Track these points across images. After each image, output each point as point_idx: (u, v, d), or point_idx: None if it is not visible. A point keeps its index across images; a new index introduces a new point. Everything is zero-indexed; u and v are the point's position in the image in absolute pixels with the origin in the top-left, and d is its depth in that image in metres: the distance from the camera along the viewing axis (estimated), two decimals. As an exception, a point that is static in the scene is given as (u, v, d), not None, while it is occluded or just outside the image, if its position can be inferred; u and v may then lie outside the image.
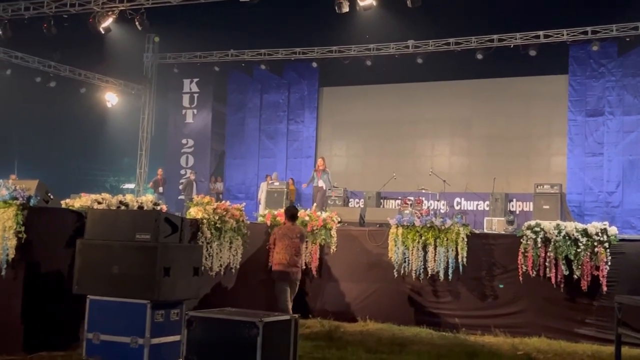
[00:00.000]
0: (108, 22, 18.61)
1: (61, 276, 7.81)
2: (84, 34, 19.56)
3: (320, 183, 18.45)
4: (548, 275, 9.91)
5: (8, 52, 21.63)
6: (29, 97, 22.97)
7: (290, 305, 9.74)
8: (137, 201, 9.48)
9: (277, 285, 9.77)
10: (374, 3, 16.60)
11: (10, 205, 7.58)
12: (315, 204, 15.18)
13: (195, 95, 24.78)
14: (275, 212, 11.60)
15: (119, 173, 28.65)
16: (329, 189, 18.59)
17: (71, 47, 21.73)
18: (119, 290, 6.88)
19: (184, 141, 24.70)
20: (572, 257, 9.81)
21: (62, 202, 9.44)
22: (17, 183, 8.05)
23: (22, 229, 7.53)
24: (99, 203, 8.98)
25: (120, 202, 9.18)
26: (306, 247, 11.29)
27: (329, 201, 19.41)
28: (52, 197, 8.63)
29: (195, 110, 24.79)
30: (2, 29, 19.16)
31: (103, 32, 18.91)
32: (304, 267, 11.22)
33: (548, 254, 9.96)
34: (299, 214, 10.88)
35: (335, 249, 11.47)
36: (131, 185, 25.61)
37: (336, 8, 16.68)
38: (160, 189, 21.45)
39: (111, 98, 24.36)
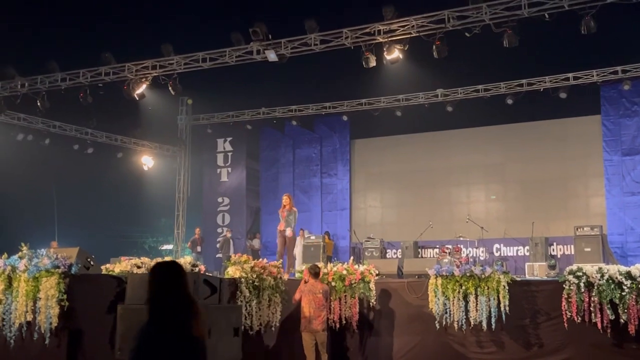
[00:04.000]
0: (142, 88, 19.03)
1: (103, 342, 7.88)
2: (118, 101, 20.04)
3: (283, 226, 14.86)
4: (594, 321, 9.69)
5: (46, 122, 22.24)
6: (68, 164, 23.41)
7: (323, 355, 10.17)
8: (175, 263, 9.56)
9: (302, 336, 10.21)
10: (401, 56, 16.71)
11: (52, 274, 7.75)
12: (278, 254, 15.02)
13: (229, 154, 25.07)
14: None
15: (157, 234, 28.88)
16: (293, 234, 15.12)
17: (107, 114, 22.22)
18: (161, 355, 6.89)
19: (219, 200, 24.92)
20: (617, 301, 9.58)
21: (103, 267, 9.59)
22: (59, 251, 8.22)
23: (65, 297, 7.68)
24: (139, 267, 9.10)
25: (159, 265, 9.27)
26: (345, 302, 11.25)
27: (365, 253, 19.08)
28: (92, 263, 8.78)
29: (229, 169, 25.05)
30: (40, 100, 19.73)
31: (137, 98, 19.34)
32: (344, 321, 11.18)
33: (592, 298, 9.74)
34: (336, 269, 10.98)
35: (374, 303, 11.37)
36: (169, 246, 25.80)
37: (363, 63, 16.87)
38: (198, 248, 21.66)
39: (147, 161, 24.76)
